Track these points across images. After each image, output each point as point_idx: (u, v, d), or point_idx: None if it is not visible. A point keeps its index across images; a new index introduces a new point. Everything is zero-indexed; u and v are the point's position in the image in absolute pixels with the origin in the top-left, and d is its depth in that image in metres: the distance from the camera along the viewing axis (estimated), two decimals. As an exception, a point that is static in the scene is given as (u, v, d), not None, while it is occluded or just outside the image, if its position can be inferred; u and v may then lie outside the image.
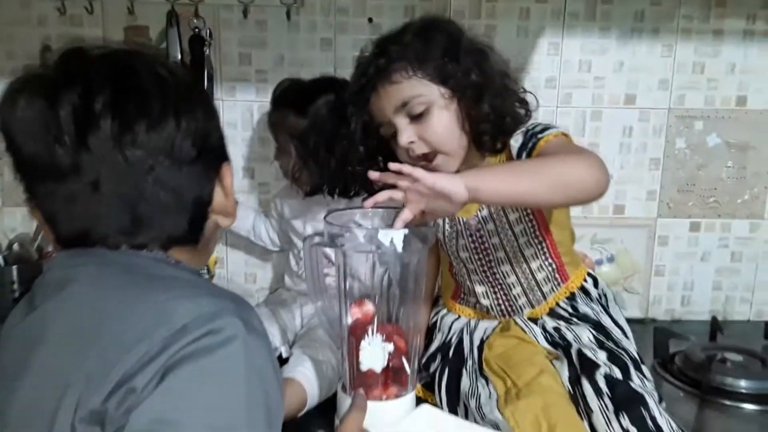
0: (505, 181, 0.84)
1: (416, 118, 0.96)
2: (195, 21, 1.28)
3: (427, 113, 0.95)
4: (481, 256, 1.07)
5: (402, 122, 0.96)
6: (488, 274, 1.08)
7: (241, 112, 1.37)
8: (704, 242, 1.46)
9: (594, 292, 1.10)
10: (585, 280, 1.10)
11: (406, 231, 0.87)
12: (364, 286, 0.95)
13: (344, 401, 0.95)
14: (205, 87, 0.72)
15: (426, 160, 0.98)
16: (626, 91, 1.39)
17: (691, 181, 1.44)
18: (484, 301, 1.09)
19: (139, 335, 0.55)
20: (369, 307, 0.96)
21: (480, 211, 1.04)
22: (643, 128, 1.41)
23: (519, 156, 0.99)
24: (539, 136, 0.97)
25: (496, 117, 0.97)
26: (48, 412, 0.56)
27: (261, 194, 1.42)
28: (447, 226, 1.08)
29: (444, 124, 0.96)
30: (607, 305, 1.11)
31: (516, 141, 0.99)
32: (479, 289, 1.09)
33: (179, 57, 1.25)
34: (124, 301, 0.59)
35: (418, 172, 0.80)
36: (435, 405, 0.99)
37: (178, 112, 0.63)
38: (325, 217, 0.95)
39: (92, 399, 0.54)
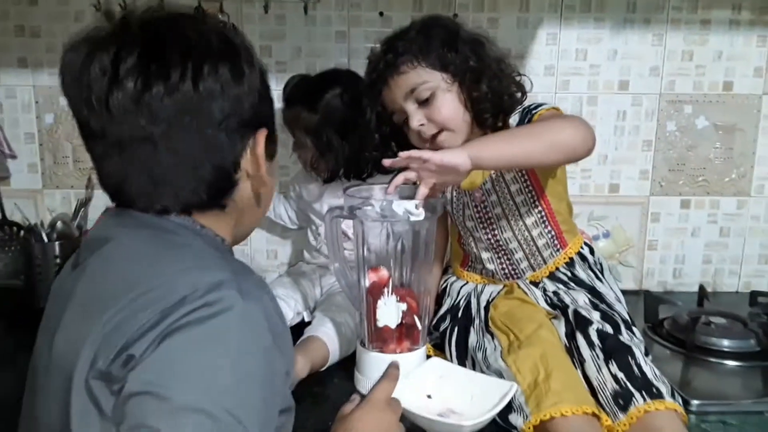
0: (503, 145, 0.93)
1: (424, 102, 1.05)
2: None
3: (433, 97, 1.04)
4: (485, 225, 1.15)
5: (411, 107, 1.06)
6: (492, 241, 1.15)
7: (262, 100, 1.45)
8: (694, 218, 1.52)
9: (591, 258, 1.17)
10: (582, 248, 1.17)
11: (417, 201, 0.94)
12: (379, 253, 1.03)
13: (363, 354, 1.03)
14: (246, 52, 0.67)
15: (434, 140, 1.07)
16: (620, 77, 1.45)
17: (681, 161, 1.49)
18: (490, 266, 1.17)
19: (146, 304, 0.56)
20: (384, 272, 1.04)
21: (484, 184, 1.12)
22: (636, 112, 1.46)
23: None
24: (533, 111, 1.06)
25: (494, 96, 1.05)
26: (69, 365, 0.58)
27: (281, 176, 1.47)
28: (455, 199, 1.16)
29: (448, 105, 1.05)
30: (602, 273, 1.18)
31: (514, 120, 1.08)
32: (485, 255, 1.17)
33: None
34: (145, 269, 0.61)
35: (426, 154, 0.88)
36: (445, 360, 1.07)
37: (198, 78, 0.61)
38: (345, 191, 1.03)
39: (102, 358, 0.56)
